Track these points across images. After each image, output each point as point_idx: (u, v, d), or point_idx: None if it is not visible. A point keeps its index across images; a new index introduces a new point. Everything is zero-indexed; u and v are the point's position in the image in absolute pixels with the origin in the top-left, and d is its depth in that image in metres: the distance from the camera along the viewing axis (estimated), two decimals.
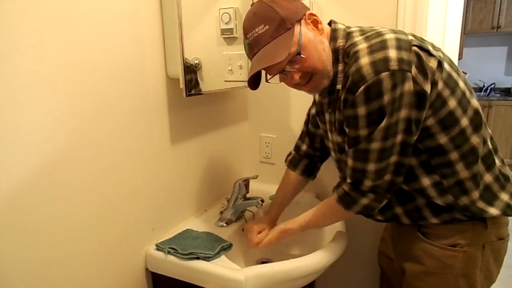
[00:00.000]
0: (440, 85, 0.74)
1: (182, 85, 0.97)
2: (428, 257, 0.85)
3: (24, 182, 0.69)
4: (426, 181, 0.80)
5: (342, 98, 0.77)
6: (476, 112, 0.79)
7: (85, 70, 0.78)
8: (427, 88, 0.72)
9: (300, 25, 0.78)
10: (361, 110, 0.73)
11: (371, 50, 0.72)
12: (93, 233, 0.85)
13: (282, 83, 0.87)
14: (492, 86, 4.38)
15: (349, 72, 0.74)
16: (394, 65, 0.70)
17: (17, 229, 0.69)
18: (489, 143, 0.82)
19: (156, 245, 1.01)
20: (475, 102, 0.79)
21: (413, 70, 0.71)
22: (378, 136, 0.74)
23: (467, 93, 0.79)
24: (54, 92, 0.73)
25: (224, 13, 1.11)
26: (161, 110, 1.02)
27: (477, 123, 0.78)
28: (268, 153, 1.47)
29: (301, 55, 0.77)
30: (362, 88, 0.71)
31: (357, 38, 0.78)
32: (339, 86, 0.81)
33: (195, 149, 1.19)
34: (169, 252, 0.96)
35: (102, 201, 0.86)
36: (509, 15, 4.02)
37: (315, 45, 0.79)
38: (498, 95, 4.22)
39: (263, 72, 0.84)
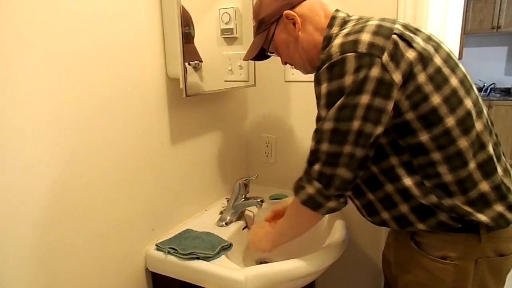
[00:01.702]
0: (422, 78, 0.71)
1: (182, 85, 0.97)
2: (418, 268, 0.82)
3: (24, 182, 0.69)
4: (408, 181, 0.77)
5: (315, 77, 0.79)
6: (468, 113, 0.74)
7: (84, 70, 0.78)
8: (396, 77, 0.69)
9: (277, 24, 0.88)
10: (324, 88, 0.74)
11: (348, 34, 0.74)
12: (93, 233, 0.85)
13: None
14: (492, 86, 4.38)
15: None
16: (362, 48, 0.69)
17: (17, 230, 0.69)
18: (490, 149, 0.77)
19: (156, 245, 1.01)
20: (469, 103, 0.74)
21: (385, 57, 0.69)
22: (332, 115, 0.73)
23: (460, 93, 0.74)
24: (53, 92, 0.73)
25: (224, 13, 1.11)
26: (161, 110, 1.02)
27: (467, 126, 0.73)
28: (268, 153, 1.47)
29: (269, 54, 0.93)
30: (326, 65, 0.72)
31: (350, 24, 0.79)
32: None
33: (195, 149, 1.19)
34: (169, 252, 0.96)
35: (102, 201, 0.86)
36: (509, 15, 4.02)
37: (287, 44, 0.89)
38: (498, 95, 4.22)
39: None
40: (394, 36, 0.71)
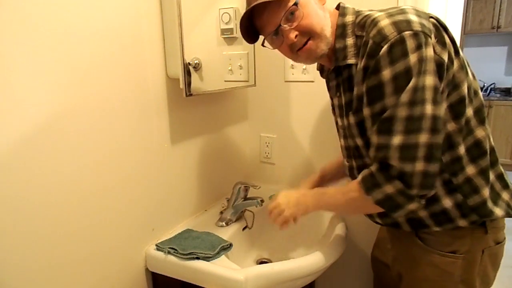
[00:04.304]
0: (456, 66, 0.71)
1: (182, 85, 0.97)
2: (426, 264, 0.83)
3: (23, 182, 0.69)
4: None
5: (362, 66, 0.72)
6: (483, 105, 0.76)
7: (84, 70, 0.78)
8: (445, 57, 0.68)
9: None
10: (386, 74, 0.67)
11: (391, 15, 0.70)
12: (93, 233, 0.85)
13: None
14: (492, 86, 4.37)
15: (368, 38, 0.70)
16: (417, 27, 0.66)
17: (16, 230, 0.69)
18: (491, 140, 0.79)
19: (156, 245, 1.01)
20: (481, 96, 0.77)
21: (433, 37, 0.68)
22: (405, 99, 0.66)
23: (474, 85, 0.76)
24: (53, 92, 0.73)
25: (224, 13, 1.11)
26: (161, 110, 1.02)
27: (482, 117, 0.76)
28: (268, 153, 1.47)
29: (298, 6, 0.74)
30: (385, 47, 0.67)
31: (370, 12, 0.76)
32: (351, 60, 0.77)
33: (195, 149, 1.19)
34: (169, 252, 0.96)
35: (102, 201, 0.86)
36: (509, 15, 4.02)
37: (315, 8, 0.77)
38: (498, 95, 4.22)
39: (261, 37, 0.84)
40: (432, 20, 0.71)
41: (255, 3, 0.75)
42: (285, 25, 0.76)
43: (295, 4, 0.74)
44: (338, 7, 0.83)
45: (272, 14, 0.76)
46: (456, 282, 0.81)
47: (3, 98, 0.64)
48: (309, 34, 0.77)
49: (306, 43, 0.78)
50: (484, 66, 4.42)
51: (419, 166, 0.67)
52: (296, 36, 0.77)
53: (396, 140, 0.68)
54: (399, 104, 0.67)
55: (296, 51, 0.80)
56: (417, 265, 0.85)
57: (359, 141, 0.81)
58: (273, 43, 0.82)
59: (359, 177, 0.76)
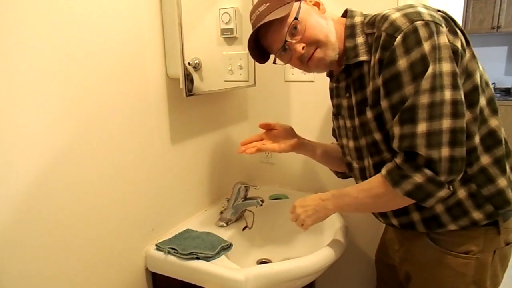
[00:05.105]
0: (468, 54, 0.73)
1: (182, 85, 0.97)
2: (438, 264, 0.82)
3: (23, 182, 0.69)
4: None
5: (377, 59, 0.73)
6: (494, 96, 0.77)
7: (85, 70, 0.78)
8: (458, 45, 0.70)
9: (300, 2, 0.80)
10: (403, 63, 0.69)
11: (400, 9, 0.72)
12: (93, 233, 0.85)
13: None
14: (492, 86, 4.35)
15: (380, 32, 0.72)
16: (427, 17, 0.69)
17: (16, 229, 0.69)
18: (503, 132, 0.79)
19: (156, 245, 1.01)
20: (491, 88, 0.78)
21: (444, 27, 0.70)
22: (426, 86, 0.67)
23: (485, 76, 0.77)
24: (54, 92, 0.73)
25: (224, 13, 1.11)
26: (161, 110, 1.02)
27: (494, 107, 0.76)
28: (268, 153, 1.47)
29: (299, 19, 0.77)
30: (399, 37, 0.68)
31: (377, 12, 0.77)
32: (362, 57, 0.78)
33: (195, 149, 1.19)
34: (169, 252, 0.96)
35: (102, 201, 0.86)
36: (509, 15, 4.02)
37: (316, 19, 0.80)
38: (498, 95, 4.21)
39: (272, 57, 0.87)
40: (441, 13, 0.73)
41: (259, 24, 0.79)
42: (291, 40, 0.79)
43: (296, 18, 0.77)
44: (344, 15, 0.85)
45: (277, 32, 0.80)
46: (468, 283, 0.81)
47: (5, 97, 0.64)
48: (315, 43, 0.79)
49: (314, 52, 0.80)
50: (484, 66, 4.28)
51: (445, 151, 0.68)
52: (303, 48, 0.79)
53: (421, 127, 0.68)
54: (420, 91, 0.68)
55: (306, 62, 0.82)
56: (428, 266, 0.84)
57: (377, 136, 0.80)
58: (283, 58, 0.84)
59: (383, 171, 0.75)
